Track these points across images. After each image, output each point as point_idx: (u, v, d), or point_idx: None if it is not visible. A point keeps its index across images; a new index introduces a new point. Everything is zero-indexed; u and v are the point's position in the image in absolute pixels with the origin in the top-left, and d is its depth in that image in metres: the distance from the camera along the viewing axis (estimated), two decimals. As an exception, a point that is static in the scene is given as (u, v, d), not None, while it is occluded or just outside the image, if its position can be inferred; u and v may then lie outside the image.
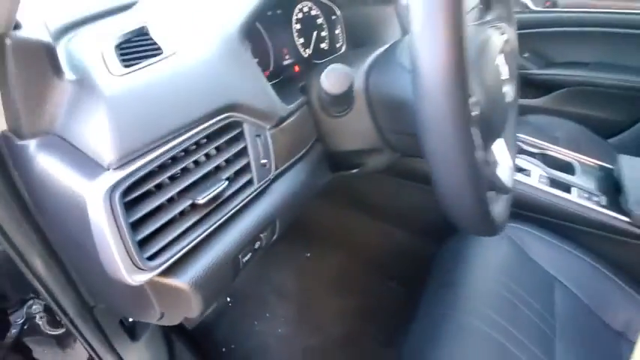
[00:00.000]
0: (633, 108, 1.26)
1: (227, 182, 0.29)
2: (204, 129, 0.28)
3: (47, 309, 0.46)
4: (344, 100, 0.37)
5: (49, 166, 0.24)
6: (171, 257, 0.25)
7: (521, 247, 0.68)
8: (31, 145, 0.25)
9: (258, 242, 0.33)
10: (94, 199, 0.23)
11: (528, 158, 0.82)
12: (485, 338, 0.51)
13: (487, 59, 0.36)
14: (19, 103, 0.24)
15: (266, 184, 0.33)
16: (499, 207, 0.44)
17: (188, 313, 0.29)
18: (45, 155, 0.25)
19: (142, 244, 0.25)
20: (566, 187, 0.74)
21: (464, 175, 0.28)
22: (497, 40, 0.40)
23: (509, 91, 0.40)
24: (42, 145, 0.25)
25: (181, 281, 0.26)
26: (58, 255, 0.33)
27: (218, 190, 0.27)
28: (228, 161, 0.31)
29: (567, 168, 0.80)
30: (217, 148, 0.29)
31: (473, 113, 0.31)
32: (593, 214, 0.69)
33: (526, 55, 1.37)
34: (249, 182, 0.32)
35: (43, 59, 0.24)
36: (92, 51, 0.27)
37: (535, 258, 0.67)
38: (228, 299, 0.92)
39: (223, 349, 0.81)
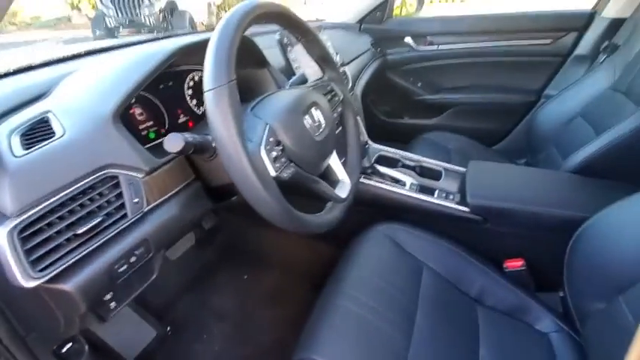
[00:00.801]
0: (507, 119, 1.54)
1: (106, 216, 0.43)
2: (85, 182, 0.42)
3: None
4: (206, 150, 0.53)
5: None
6: (56, 269, 0.38)
7: (397, 243, 0.84)
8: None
9: (134, 257, 0.46)
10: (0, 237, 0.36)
11: (406, 170, 1.02)
12: (353, 317, 0.65)
13: (294, 121, 0.53)
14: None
15: (139, 215, 0.47)
16: (336, 211, 0.61)
17: (78, 311, 0.41)
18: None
19: (35, 262, 0.37)
20: (431, 191, 0.94)
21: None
22: (307, 100, 0.57)
23: (323, 132, 0.58)
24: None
25: (67, 286, 0.39)
26: None
27: (94, 223, 0.41)
28: (109, 202, 0.44)
29: (436, 175, 1.01)
30: (100, 194, 0.43)
31: (284, 175, 0.48)
32: (448, 210, 0.88)
33: (419, 84, 1.64)
34: (125, 216, 0.45)
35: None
36: (3, 140, 0.41)
37: (409, 250, 0.84)
38: (168, 328, 1.01)
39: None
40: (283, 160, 0.50)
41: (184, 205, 0.54)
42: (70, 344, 0.68)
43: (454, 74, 1.59)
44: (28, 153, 0.40)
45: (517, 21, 1.47)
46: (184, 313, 1.06)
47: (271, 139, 0.48)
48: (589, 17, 1.32)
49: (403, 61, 1.62)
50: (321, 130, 0.57)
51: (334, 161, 0.65)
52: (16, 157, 0.39)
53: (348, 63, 1.18)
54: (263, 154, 0.46)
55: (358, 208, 0.97)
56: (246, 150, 0.43)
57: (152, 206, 0.49)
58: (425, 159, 1.07)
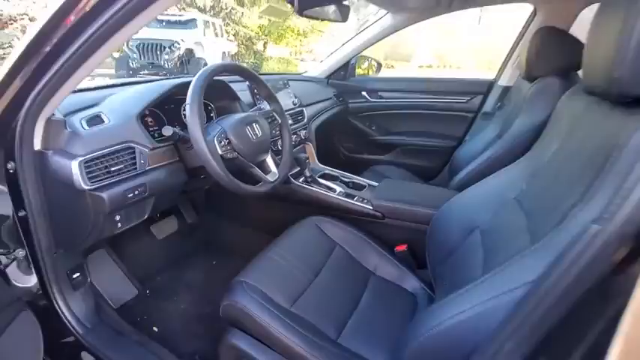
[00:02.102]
0: (438, 158, 1.93)
1: (124, 166, 0.79)
2: (117, 148, 0.78)
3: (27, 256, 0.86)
4: (186, 142, 0.89)
5: (57, 158, 0.73)
6: (97, 185, 0.73)
7: (321, 229, 1.17)
8: (50, 153, 0.73)
9: (137, 191, 0.80)
10: (74, 165, 0.71)
11: (339, 183, 1.37)
12: (274, 262, 0.96)
13: (240, 127, 0.91)
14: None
15: (142, 170, 0.82)
16: (263, 188, 0.96)
17: (104, 211, 0.75)
18: (54, 155, 0.73)
19: (89, 179, 0.72)
20: (352, 197, 1.29)
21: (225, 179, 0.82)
22: (251, 119, 0.96)
23: (256, 134, 0.95)
24: (54, 153, 0.73)
25: (102, 194, 0.73)
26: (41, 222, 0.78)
27: (119, 167, 0.77)
28: (127, 160, 0.80)
29: (361, 188, 1.36)
30: (124, 155, 0.80)
31: (229, 156, 0.85)
32: (359, 208, 1.23)
33: (373, 127, 2.06)
34: (135, 168, 0.81)
35: (61, 124, 0.73)
36: (78, 122, 0.78)
37: (328, 234, 1.16)
38: (147, 291, 1.29)
39: (138, 319, 1.17)
40: (229, 148, 0.87)
41: (168, 173, 0.89)
42: (78, 274, 0.99)
43: (399, 121, 2.02)
44: (89, 129, 0.77)
45: (444, 84, 1.93)
46: (161, 281, 1.35)
47: (222, 135, 0.86)
48: (490, 84, 1.78)
49: (361, 109, 2.06)
50: (257, 137, 0.95)
51: (269, 159, 1.02)
52: (84, 129, 0.76)
53: (307, 105, 1.60)
54: (215, 142, 0.84)
55: (299, 207, 1.32)
56: (205, 139, 0.81)
57: (150, 167, 0.85)
58: (355, 177, 1.43)
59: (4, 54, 11.09)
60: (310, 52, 14.48)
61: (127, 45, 7.69)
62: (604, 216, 0.35)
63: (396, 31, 1.71)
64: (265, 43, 12.45)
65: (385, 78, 2.14)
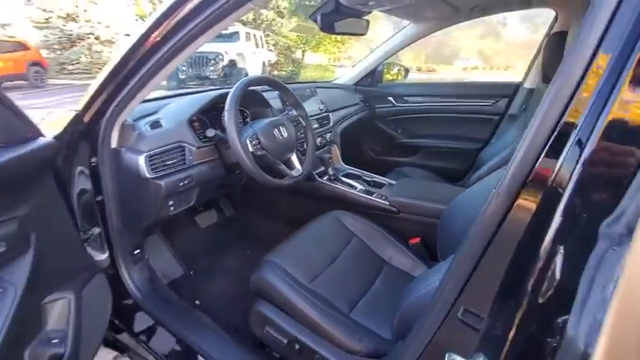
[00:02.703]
0: (464, 161, 1.97)
1: (176, 161, 0.98)
2: (171, 146, 0.97)
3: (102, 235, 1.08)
4: (225, 142, 1.07)
5: (128, 154, 0.94)
6: (158, 174, 0.92)
7: (341, 221, 1.29)
8: (123, 150, 0.94)
9: (186, 181, 0.99)
10: (141, 159, 0.91)
11: (362, 182, 1.49)
12: (298, 247, 1.10)
13: (268, 129, 1.08)
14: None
15: (189, 164, 1.01)
16: (287, 181, 1.11)
17: (161, 195, 0.95)
18: (126, 152, 0.94)
19: (151, 169, 0.92)
20: (371, 193, 1.40)
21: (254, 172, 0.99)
22: (279, 122, 1.13)
23: (284, 135, 1.11)
24: (126, 150, 0.94)
25: (161, 182, 0.92)
26: (115, 205, 0.99)
27: (172, 162, 0.96)
28: (178, 156, 1.00)
29: (380, 185, 1.47)
30: (176, 153, 0.99)
31: (258, 153, 1.02)
32: (376, 204, 1.34)
33: (399, 131, 2.15)
34: (184, 163, 1.00)
35: (131, 127, 0.94)
36: (144, 126, 0.99)
37: (347, 225, 1.28)
38: (191, 271, 1.50)
39: (183, 293, 1.37)
40: (259, 146, 1.03)
41: (210, 167, 1.08)
42: (139, 250, 1.20)
43: (424, 124, 2.09)
44: (152, 131, 0.98)
45: (469, 88, 1.97)
46: (203, 264, 1.55)
47: (253, 136, 1.03)
48: (516, 87, 1.79)
49: (387, 113, 2.16)
50: (283, 137, 1.11)
51: (294, 157, 1.18)
52: (148, 132, 0.97)
53: (333, 111, 1.74)
54: (247, 141, 1.01)
55: (322, 202, 1.46)
56: (239, 139, 0.98)
57: (196, 163, 1.04)
58: (376, 176, 1.54)
59: (73, 69, 12.58)
60: (349, 58, 14.69)
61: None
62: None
63: (419, 39, 1.80)
64: (304, 52, 12.85)
65: (411, 83, 2.23)
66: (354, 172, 1.61)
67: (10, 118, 0.65)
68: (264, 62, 10.30)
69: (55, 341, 0.75)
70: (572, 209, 0.34)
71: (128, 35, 13.58)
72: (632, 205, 0.27)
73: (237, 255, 1.65)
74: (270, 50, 11.31)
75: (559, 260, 0.34)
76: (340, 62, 14.27)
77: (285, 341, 0.93)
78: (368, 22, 1.38)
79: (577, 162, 0.34)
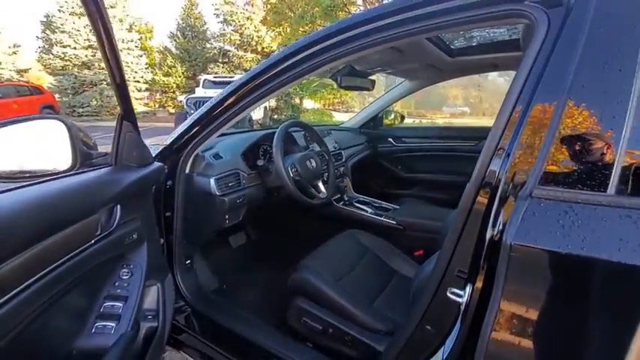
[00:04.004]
0: (455, 192, 2.27)
1: (233, 184, 1.27)
2: (229, 172, 1.26)
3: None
4: (267, 170, 1.36)
5: (199, 177, 1.22)
6: (224, 194, 1.20)
7: (357, 239, 1.55)
8: (194, 175, 1.22)
9: (239, 200, 1.26)
10: (212, 180, 1.19)
11: (372, 207, 1.78)
12: (320, 261, 1.36)
13: (303, 160, 1.39)
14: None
15: (242, 187, 1.29)
16: (315, 202, 1.40)
17: (225, 209, 1.23)
18: (197, 176, 1.22)
19: (219, 188, 1.20)
20: (381, 215, 1.68)
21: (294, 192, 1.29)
22: (309, 156, 1.44)
23: (313, 165, 1.41)
24: (197, 175, 1.22)
25: (225, 198, 1.21)
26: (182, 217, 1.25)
27: (230, 184, 1.25)
28: (233, 181, 1.28)
29: (387, 209, 1.76)
30: (232, 178, 1.28)
31: (296, 178, 1.32)
32: (385, 223, 1.61)
33: (399, 167, 2.48)
34: (239, 185, 1.28)
35: (201, 157, 1.24)
36: (210, 157, 1.29)
37: (363, 242, 1.54)
38: (225, 285, 1.71)
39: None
40: (296, 173, 1.33)
41: (256, 189, 1.37)
42: (189, 261, 1.44)
43: (420, 161, 2.43)
44: (216, 161, 1.27)
45: (454, 130, 2.35)
46: (234, 279, 1.77)
47: (292, 165, 1.33)
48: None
49: (388, 152, 2.51)
50: (313, 167, 1.41)
51: (320, 183, 1.48)
52: (213, 161, 1.27)
53: (345, 149, 2.07)
54: (288, 169, 1.31)
55: (339, 224, 1.73)
56: (284, 167, 1.28)
57: (247, 186, 1.33)
58: (383, 202, 1.84)
59: (83, 112, 13.22)
60: (342, 103, 15.67)
61: (186, 102, 8.99)
62: None
63: (413, 92, 2.20)
64: (302, 98, 13.71)
65: (407, 126, 2.62)
66: (364, 199, 1.90)
67: (141, 147, 0.94)
68: (265, 107, 10.98)
69: (150, 317, 0.98)
70: (504, 194, 0.62)
71: (138, 82, 14.26)
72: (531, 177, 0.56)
73: (264, 271, 1.87)
74: (271, 97, 12.09)
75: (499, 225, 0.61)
76: (334, 107, 15.23)
77: (320, 327, 1.15)
78: (373, 81, 1.77)
79: (505, 169, 0.63)
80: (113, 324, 0.76)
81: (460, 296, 0.68)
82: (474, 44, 1.69)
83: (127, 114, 0.83)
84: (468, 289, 0.66)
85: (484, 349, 0.56)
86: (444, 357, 0.73)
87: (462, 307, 0.67)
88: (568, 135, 0.56)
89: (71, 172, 0.75)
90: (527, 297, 0.53)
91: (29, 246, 0.54)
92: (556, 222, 0.51)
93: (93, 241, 0.71)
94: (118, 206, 0.81)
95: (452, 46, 1.70)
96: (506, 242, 0.53)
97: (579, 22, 0.58)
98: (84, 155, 0.82)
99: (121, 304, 0.80)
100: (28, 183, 0.63)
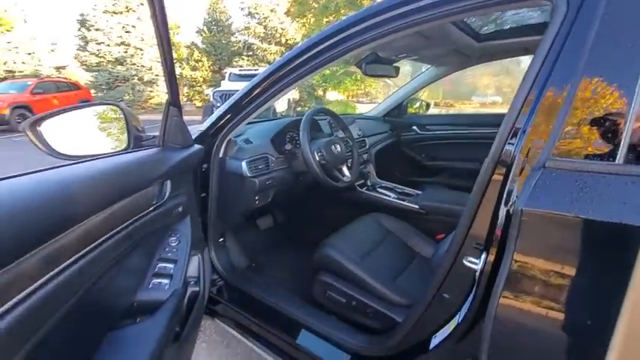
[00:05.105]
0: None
1: (262, 167, 1.36)
2: (258, 157, 1.35)
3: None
4: (294, 154, 1.44)
5: (232, 161, 1.32)
6: (254, 175, 1.31)
7: (380, 222, 1.61)
8: (227, 158, 1.32)
9: (268, 181, 1.36)
10: (244, 163, 1.29)
11: (394, 193, 1.83)
12: (345, 239, 1.43)
13: (328, 145, 1.45)
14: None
15: (271, 170, 1.37)
16: (340, 185, 1.47)
17: (255, 190, 1.31)
18: (230, 160, 1.32)
19: (249, 169, 1.30)
20: (403, 200, 1.72)
21: (320, 175, 1.36)
22: (334, 141, 1.50)
23: (338, 150, 1.48)
24: (230, 158, 1.32)
25: (256, 180, 1.30)
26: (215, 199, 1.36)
27: (260, 167, 1.34)
28: (263, 164, 1.37)
29: (409, 195, 1.80)
30: (261, 162, 1.37)
31: (322, 162, 1.40)
32: (408, 207, 1.66)
33: (423, 155, 2.50)
34: (268, 168, 1.37)
35: (233, 142, 1.34)
36: (242, 142, 1.39)
37: (385, 225, 1.60)
38: (253, 264, 1.82)
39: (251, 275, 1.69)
40: (322, 157, 1.40)
41: (283, 173, 1.45)
42: (222, 239, 1.56)
43: (444, 149, 2.43)
44: (247, 145, 1.37)
45: (478, 118, 2.33)
46: (262, 259, 1.88)
47: (318, 150, 1.40)
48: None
49: (412, 140, 2.52)
50: (338, 152, 1.48)
51: (344, 168, 1.54)
52: (244, 146, 1.36)
53: (368, 136, 2.12)
54: (314, 153, 1.38)
55: (362, 208, 1.79)
56: (310, 151, 1.35)
57: (275, 169, 1.41)
58: (406, 187, 1.88)
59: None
60: (366, 95, 15.51)
61: (213, 95, 9.26)
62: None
63: (439, 79, 2.20)
64: (324, 90, 13.71)
65: (431, 115, 2.61)
66: (387, 185, 1.95)
67: (184, 130, 1.04)
68: (289, 99, 11.11)
69: (192, 282, 1.09)
70: (519, 168, 0.66)
71: (166, 76, 14.98)
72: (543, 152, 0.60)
73: (290, 252, 1.97)
74: (295, 89, 12.19)
75: (513, 196, 0.66)
76: (357, 99, 15.11)
77: (344, 300, 1.23)
78: (398, 68, 1.80)
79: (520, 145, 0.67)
80: (167, 281, 0.87)
81: (476, 264, 0.73)
82: (502, 28, 1.68)
83: (174, 101, 0.92)
84: (483, 256, 0.71)
85: (494, 309, 0.61)
86: (459, 321, 0.79)
87: (477, 274, 0.72)
88: (580, 111, 0.59)
89: (128, 151, 0.86)
90: (536, 259, 0.58)
91: (106, 207, 0.64)
92: (565, 189, 0.55)
93: (150, 209, 0.82)
94: (169, 181, 0.92)
95: (479, 31, 1.70)
96: (517, 209, 0.58)
97: (596, 3, 0.61)
98: (137, 137, 0.93)
99: (172, 266, 0.91)
100: (94, 158, 0.75)
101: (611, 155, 0.55)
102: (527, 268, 0.58)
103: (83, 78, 13.91)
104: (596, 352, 0.51)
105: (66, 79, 12.00)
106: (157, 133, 0.99)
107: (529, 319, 0.59)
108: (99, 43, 13.41)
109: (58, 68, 14.98)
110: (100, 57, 13.35)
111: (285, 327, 1.23)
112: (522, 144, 0.66)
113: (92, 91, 12.86)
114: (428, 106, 2.74)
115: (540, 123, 0.64)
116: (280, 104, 10.20)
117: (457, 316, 0.81)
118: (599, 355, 0.50)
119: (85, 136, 0.91)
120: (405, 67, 2.77)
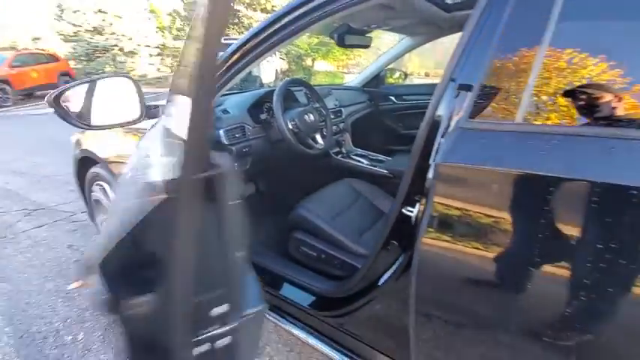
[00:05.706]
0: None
1: (239, 137, 1.46)
2: (234, 126, 1.45)
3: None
4: (270, 123, 1.54)
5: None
6: (232, 144, 1.41)
7: (352, 186, 1.74)
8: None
9: (245, 149, 1.46)
10: (222, 132, 1.40)
11: (367, 159, 1.95)
12: (320, 198, 1.56)
13: (302, 114, 1.55)
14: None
15: (248, 138, 1.48)
16: (313, 152, 1.58)
17: (233, 154, 1.43)
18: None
19: (228, 139, 1.41)
20: (374, 166, 1.85)
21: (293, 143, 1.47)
22: (308, 110, 1.60)
23: (311, 119, 1.58)
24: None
25: (233, 147, 1.41)
26: None
27: (237, 136, 1.44)
28: (240, 135, 1.48)
29: (381, 161, 1.92)
30: (238, 132, 1.47)
31: (295, 130, 1.50)
32: (378, 172, 1.79)
33: (400, 124, 2.60)
34: (245, 136, 1.47)
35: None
36: (219, 112, 1.47)
37: (357, 188, 1.73)
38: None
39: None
40: (295, 126, 1.50)
41: (260, 141, 1.55)
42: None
43: (419, 118, 2.53)
44: (224, 115, 1.46)
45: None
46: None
47: (292, 119, 1.50)
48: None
49: (389, 110, 2.62)
50: (311, 121, 1.57)
51: (318, 136, 1.65)
52: (222, 115, 1.45)
53: (345, 106, 2.21)
54: (287, 122, 1.48)
55: (337, 175, 1.91)
56: (284, 120, 1.45)
57: (252, 137, 1.51)
58: (379, 155, 2.00)
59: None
60: (357, 65, 15.27)
61: (197, 67, 9.04)
62: None
63: (414, 49, 2.26)
64: (313, 60, 13.43)
65: (408, 85, 2.69)
66: (361, 152, 2.07)
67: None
68: (276, 70, 10.91)
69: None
70: (444, 131, 0.78)
71: (148, 46, 14.21)
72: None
73: (270, 216, 2.11)
74: (282, 59, 11.93)
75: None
76: (348, 69, 14.86)
77: (315, 254, 1.38)
78: (371, 38, 1.86)
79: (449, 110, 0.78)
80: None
81: (412, 212, 0.87)
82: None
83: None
84: (417, 205, 0.85)
85: (419, 245, 0.76)
86: (401, 261, 0.94)
87: (413, 221, 0.86)
88: (492, 80, 0.71)
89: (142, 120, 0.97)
90: (451, 202, 0.71)
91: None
92: (474, 146, 0.67)
93: None
94: None
95: (448, 1, 1.76)
96: (435, 164, 0.70)
97: None
98: (146, 107, 1.03)
99: None
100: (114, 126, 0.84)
101: (512, 116, 0.67)
102: (443, 212, 0.72)
103: (61, 50, 13.32)
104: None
105: (43, 50, 11.50)
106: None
107: (446, 253, 0.73)
108: (75, 11, 12.73)
109: (34, 39, 14.29)
110: (77, 26, 12.74)
111: (267, 280, 1.38)
112: (447, 110, 0.78)
113: (72, 62, 12.38)
114: (406, 76, 2.81)
115: (460, 91, 0.75)
116: (268, 75, 10.05)
117: (400, 257, 0.96)
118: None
119: (101, 107, 0.99)
120: (389, 37, 2.81)
